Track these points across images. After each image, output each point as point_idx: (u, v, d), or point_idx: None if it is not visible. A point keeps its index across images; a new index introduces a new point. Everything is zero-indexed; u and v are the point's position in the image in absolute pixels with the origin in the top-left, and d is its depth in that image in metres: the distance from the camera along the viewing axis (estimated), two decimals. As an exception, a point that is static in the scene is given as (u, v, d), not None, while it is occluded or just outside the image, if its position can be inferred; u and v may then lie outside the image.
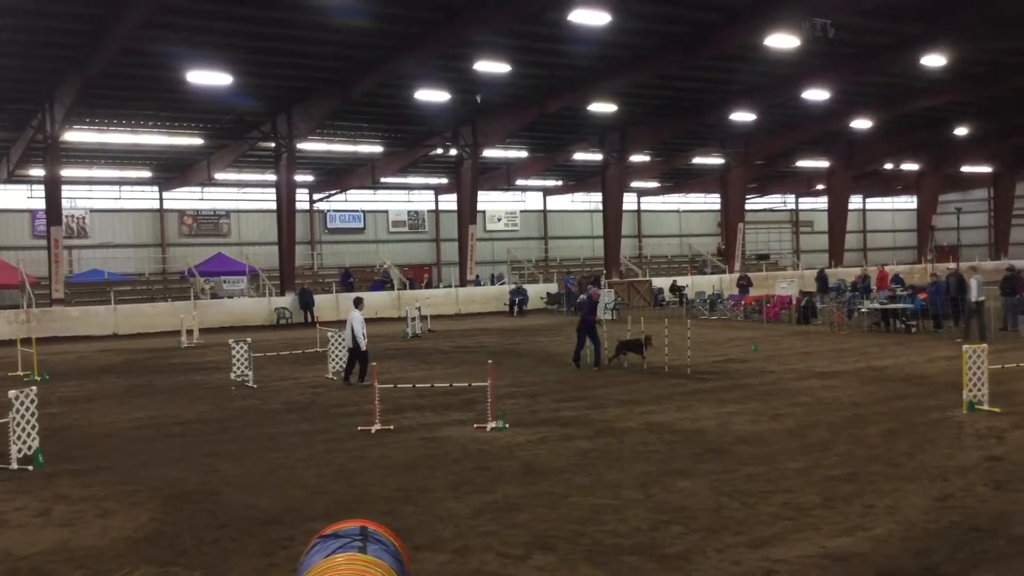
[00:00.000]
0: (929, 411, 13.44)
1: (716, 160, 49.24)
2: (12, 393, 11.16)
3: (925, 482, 9.44)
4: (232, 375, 18.26)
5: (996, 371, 13.68)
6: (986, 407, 13.12)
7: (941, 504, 8.64)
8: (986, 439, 11.45)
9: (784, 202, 66.74)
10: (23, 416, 11.17)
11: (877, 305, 27.34)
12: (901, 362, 19.19)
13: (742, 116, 39.32)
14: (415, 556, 7.13)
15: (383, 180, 48.65)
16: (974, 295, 23.06)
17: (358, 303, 18.40)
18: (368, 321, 19.17)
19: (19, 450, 11.12)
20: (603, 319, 22.32)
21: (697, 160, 50.62)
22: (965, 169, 58.97)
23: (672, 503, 8.88)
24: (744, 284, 39.75)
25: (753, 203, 59.01)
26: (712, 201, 59.54)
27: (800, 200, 66.77)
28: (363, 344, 17.59)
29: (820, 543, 7.57)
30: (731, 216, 48.61)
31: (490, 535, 7.99)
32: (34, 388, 11.54)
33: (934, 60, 30.17)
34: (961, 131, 47.25)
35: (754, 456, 10.84)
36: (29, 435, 11.25)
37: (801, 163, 53.77)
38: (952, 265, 44.28)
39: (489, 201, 53.88)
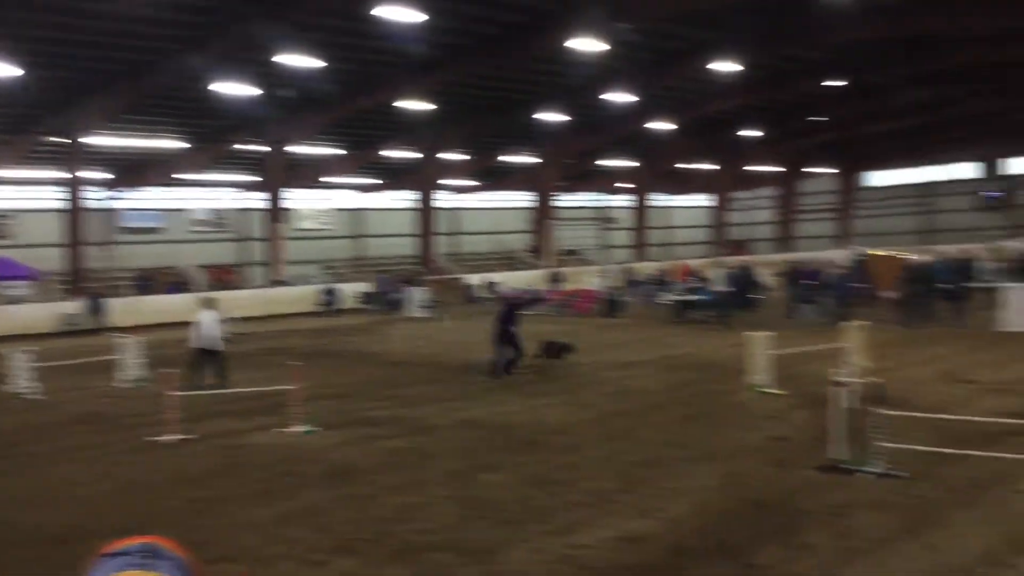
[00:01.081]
0: (721, 395, 14.28)
1: (528, 158, 50.26)
2: None
3: (716, 463, 9.99)
4: (11, 387, 16.82)
5: (781, 356, 14.69)
6: (772, 390, 14.07)
7: (730, 483, 9.18)
8: (771, 420, 12.27)
9: (592, 200, 68.94)
10: None
11: (676, 297, 28.79)
12: (696, 350, 20.28)
13: (551, 116, 40.32)
14: (210, 570, 6.78)
15: (184, 177, 46.25)
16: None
17: (210, 303, 17.67)
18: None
19: None
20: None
21: (510, 158, 51.45)
22: (755, 168, 63.19)
23: (481, 497, 8.95)
24: (555, 280, 40.82)
25: (563, 200, 60.61)
26: (525, 198, 60.70)
27: (607, 198, 69.20)
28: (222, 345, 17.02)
29: (618, 526, 7.85)
30: (542, 213, 49.84)
31: (293, 542, 7.75)
32: None
33: (725, 66, 32.10)
34: (751, 133, 50.53)
35: (562, 446, 11.11)
36: None
37: (608, 162, 55.82)
38: (742, 259, 47.33)
39: (300, 199, 52.47)
